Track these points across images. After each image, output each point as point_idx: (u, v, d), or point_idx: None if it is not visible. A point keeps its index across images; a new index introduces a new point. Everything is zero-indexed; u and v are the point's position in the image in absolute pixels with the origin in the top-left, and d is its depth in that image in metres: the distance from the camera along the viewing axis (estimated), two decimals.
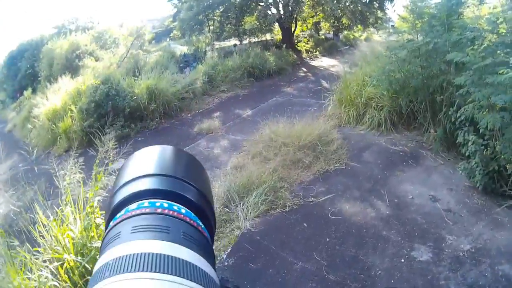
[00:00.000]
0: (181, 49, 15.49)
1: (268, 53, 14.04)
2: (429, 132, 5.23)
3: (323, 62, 16.16)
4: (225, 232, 4.03)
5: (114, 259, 0.40)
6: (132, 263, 0.38)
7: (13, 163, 8.71)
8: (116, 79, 9.43)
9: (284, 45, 16.02)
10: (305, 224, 3.95)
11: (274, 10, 15.95)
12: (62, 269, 3.06)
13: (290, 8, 15.24)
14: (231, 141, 7.09)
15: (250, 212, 4.15)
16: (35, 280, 2.72)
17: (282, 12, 15.87)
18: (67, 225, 3.42)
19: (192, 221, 0.49)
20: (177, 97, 9.86)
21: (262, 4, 15.93)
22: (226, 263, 3.50)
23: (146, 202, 0.49)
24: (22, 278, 2.71)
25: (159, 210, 0.48)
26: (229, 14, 15.47)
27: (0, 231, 3.08)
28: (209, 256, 0.47)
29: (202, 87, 10.95)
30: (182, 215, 0.48)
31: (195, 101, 10.30)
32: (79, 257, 3.17)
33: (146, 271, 0.37)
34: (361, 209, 4.08)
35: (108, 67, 12.41)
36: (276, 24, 16.77)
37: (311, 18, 18.56)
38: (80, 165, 4.02)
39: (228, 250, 3.69)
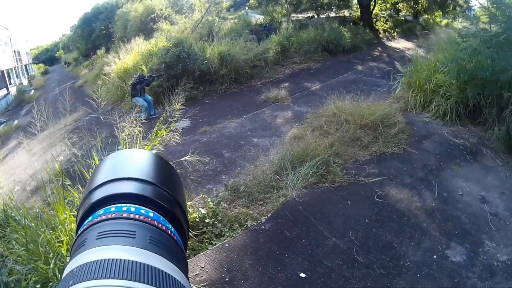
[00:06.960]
0: (257, 18, 15.54)
1: (345, 29, 13.75)
2: (493, 129, 5.00)
3: (400, 43, 15.50)
4: (271, 198, 4.19)
5: (78, 266, 0.39)
6: (95, 270, 0.38)
7: (80, 115, 9.11)
8: (188, 43, 9.78)
9: (361, 23, 15.60)
10: (349, 202, 3.99)
11: None
12: None
13: None
14: (295, 112, 7.22)
15: (299, 182, 4.24)
16: None
17: None
18: None
19: (160, 225, 0.47)
20: (249, 65, 10.02)
21: None
22: (263, 227, 3.67)
23: (112, 207, 0.48)
24: (69, 214, 3.01)
25: (125, 215, 0.46)
26: None
27: (58, 171, 3.44)
28: (179, 260, 0.46)
29: (275, 57, 11.00)
30: (150, 219, 0.47)
31: (266, 69, 10.42)
32: None
33: (109, 278, 0.37)
34: (408, 197, 4.03)
35: (182, 31, 12.77)
36: (355, 0, 16.27)
37: None
38: (141, 120, 4.29)
39: (268, 216, 3.85)
